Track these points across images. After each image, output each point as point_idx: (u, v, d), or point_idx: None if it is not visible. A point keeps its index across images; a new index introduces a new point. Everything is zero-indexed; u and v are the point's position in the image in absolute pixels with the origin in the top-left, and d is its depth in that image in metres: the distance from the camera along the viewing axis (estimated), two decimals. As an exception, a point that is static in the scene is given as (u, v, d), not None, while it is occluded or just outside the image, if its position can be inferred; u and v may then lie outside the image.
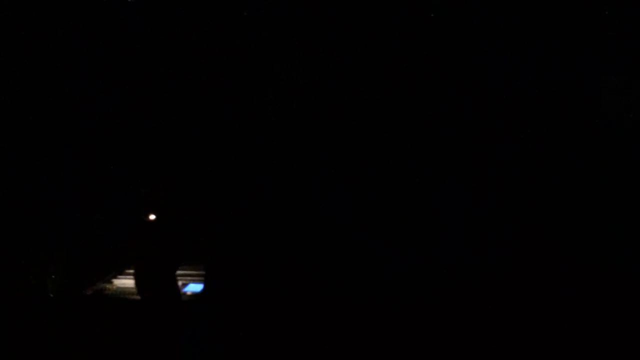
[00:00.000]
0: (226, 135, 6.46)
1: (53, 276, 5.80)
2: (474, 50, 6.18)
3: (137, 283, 5.60)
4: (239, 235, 6.11)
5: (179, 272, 5.74)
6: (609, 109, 6.06)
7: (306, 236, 6.03)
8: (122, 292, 5.74)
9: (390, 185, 6.16)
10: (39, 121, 6.44)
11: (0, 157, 6.33)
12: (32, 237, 6.17)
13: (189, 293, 5.71)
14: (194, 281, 5.75)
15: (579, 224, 5.83)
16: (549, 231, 5.84)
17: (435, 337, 5.45)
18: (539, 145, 6.05)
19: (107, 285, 5.84)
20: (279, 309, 5.71)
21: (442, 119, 6.22)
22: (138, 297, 5.56)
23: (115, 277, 5.91)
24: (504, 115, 6.10)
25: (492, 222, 5.90)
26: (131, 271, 5.81)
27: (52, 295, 5.75)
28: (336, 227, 6.02)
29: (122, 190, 6.35)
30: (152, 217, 5.83)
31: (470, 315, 5.52)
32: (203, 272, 5.71)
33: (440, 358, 5.39)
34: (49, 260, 5.90)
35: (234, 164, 6.39)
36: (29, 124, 6.42)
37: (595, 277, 5.52)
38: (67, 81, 6.42)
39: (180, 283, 5.70)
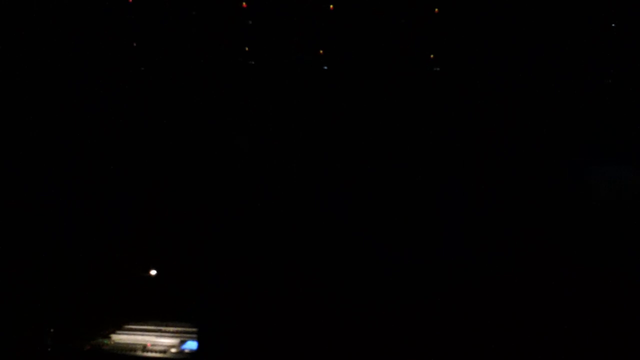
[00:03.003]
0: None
1: (52, 330, 5.77)
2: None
3: None
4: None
5: (176, 328, 5.83)
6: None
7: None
8: (121, 348, 5.72)
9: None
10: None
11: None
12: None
13: (187, 351, 5.75)
14: (191, 338, 5.79)
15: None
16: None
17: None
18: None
19: (105, 340, 5.82)
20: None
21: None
22: (136, 353, 5.59)
23: (113, 332, 5.91)
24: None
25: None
26: (129, 326, 5.88)
27: (50, 350, 5.72)
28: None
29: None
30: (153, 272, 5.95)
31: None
32: (197, 330, 5.76)
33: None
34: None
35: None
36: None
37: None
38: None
39: (178, 340, 5.73)
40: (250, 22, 6.38)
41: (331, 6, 6.15)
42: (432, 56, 6.22)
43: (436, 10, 6.02)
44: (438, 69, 6.21)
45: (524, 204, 5.92)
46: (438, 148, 6.14)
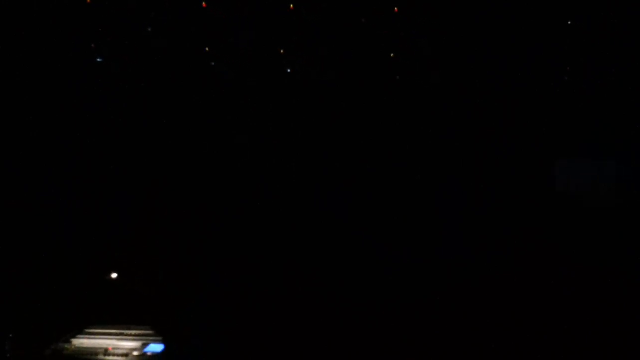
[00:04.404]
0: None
1: (11, 335, 5.64)
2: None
3: None
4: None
5: (138, 331, 5.70)
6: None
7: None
8: (82, 352, 5.58)
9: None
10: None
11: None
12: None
13: (149, 354, 5.52)
14: (155, 341, 5.62)
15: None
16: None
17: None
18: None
19: (66, 345, 5.66)
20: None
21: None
22: (98, 357, 5.47)
23: (74, 337, 5.75)
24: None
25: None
26: (91, 330, 5.76)
27: (9, 356, 5.63)
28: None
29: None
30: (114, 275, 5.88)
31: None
32: (161, 334, 5.63)
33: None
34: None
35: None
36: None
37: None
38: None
39: (140, 343, 5.57)
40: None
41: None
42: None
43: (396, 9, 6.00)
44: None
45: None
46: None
